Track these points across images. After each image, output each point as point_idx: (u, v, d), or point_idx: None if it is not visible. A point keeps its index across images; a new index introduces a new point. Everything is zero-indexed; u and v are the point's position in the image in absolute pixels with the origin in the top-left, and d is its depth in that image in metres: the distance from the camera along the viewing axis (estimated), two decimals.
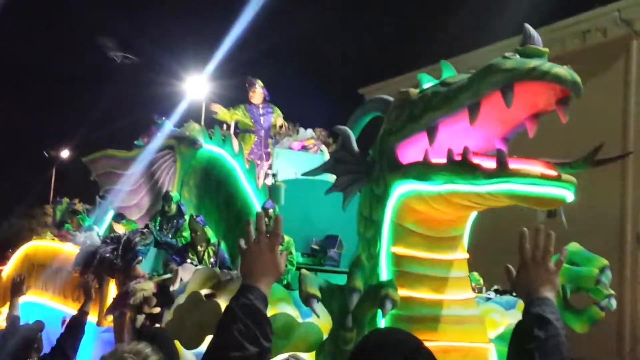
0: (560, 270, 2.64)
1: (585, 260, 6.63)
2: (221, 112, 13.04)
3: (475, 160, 4.98)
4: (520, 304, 7.56)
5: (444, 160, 5.12)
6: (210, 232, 10.40)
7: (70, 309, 9.70)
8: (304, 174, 6.81)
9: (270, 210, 10.12)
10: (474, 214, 5.77)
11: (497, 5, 23.06)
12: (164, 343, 4.23)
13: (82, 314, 6.43)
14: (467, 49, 23.45)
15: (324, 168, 6.34)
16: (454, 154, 5.05)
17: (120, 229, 11.45)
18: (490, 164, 4.89)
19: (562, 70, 4.70)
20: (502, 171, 4.81)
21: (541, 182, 4.74)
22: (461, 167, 5.02)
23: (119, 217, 11.85)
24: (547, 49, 4.90)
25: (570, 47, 22.63)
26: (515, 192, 4.83)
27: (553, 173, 4.82)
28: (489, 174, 4.87)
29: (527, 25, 4.96)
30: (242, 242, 2.62)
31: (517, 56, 4.87)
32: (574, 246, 6.73)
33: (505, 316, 7.11)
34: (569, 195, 4.80)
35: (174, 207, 11.33)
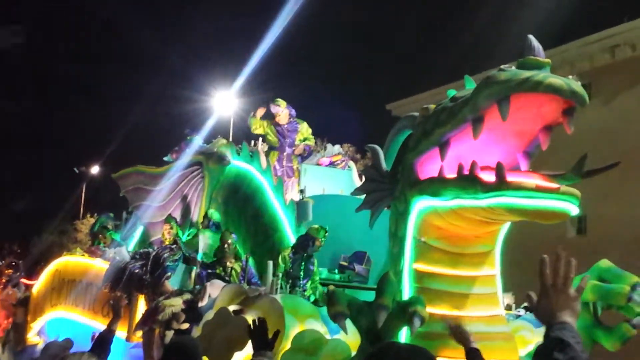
0: (581, 296, 2.63)
1: (616, 278, 6.54)
2: (256, 122, 12.97)
3: (482, 174, 4.90)
4: None
5: (454, 176, 5.09)
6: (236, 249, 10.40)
7: (100, 325, 9.75)
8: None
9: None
10: (503, 230, 5.68)
11: (526, 20, 22.99)
12: (191, 353, 4.21)
13: (109, 331, 6.44)
14: (495, 64, 23.43)
15: (363, 188, 6.36)
16: (464, 169, 5.01)
17: (167, 231, 11.44)
18: (493, 178, 4.82)
19: (557, 80, 4.60)
20: (499, 184, 4.73)
21: (539, 195, 4.63)
22: (465, 181, 4.97)
23: (171, 217, 11.80)
24: (547, 60, 4.80)
25: (600, 62, 22.48)
26: (512, 206, 4.75)
27: (551, 185, 4.71)
28: (487, 188, 4.80)
29: (530, 36, 4.89)
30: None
31: (513, 68, 4.81)
32: (604, 263, 6.65)
33: (535, 334, 7.05)
34: (572, 209, 4.69)
35: (204, 222, 11.50)
